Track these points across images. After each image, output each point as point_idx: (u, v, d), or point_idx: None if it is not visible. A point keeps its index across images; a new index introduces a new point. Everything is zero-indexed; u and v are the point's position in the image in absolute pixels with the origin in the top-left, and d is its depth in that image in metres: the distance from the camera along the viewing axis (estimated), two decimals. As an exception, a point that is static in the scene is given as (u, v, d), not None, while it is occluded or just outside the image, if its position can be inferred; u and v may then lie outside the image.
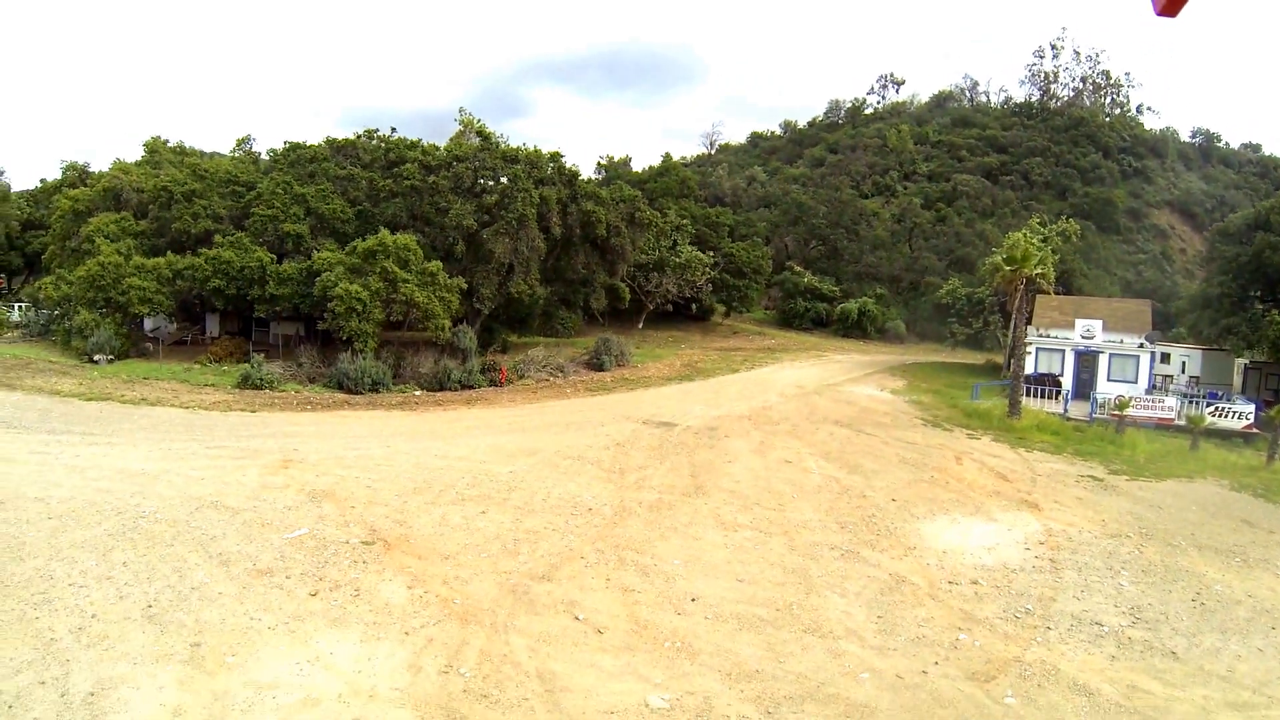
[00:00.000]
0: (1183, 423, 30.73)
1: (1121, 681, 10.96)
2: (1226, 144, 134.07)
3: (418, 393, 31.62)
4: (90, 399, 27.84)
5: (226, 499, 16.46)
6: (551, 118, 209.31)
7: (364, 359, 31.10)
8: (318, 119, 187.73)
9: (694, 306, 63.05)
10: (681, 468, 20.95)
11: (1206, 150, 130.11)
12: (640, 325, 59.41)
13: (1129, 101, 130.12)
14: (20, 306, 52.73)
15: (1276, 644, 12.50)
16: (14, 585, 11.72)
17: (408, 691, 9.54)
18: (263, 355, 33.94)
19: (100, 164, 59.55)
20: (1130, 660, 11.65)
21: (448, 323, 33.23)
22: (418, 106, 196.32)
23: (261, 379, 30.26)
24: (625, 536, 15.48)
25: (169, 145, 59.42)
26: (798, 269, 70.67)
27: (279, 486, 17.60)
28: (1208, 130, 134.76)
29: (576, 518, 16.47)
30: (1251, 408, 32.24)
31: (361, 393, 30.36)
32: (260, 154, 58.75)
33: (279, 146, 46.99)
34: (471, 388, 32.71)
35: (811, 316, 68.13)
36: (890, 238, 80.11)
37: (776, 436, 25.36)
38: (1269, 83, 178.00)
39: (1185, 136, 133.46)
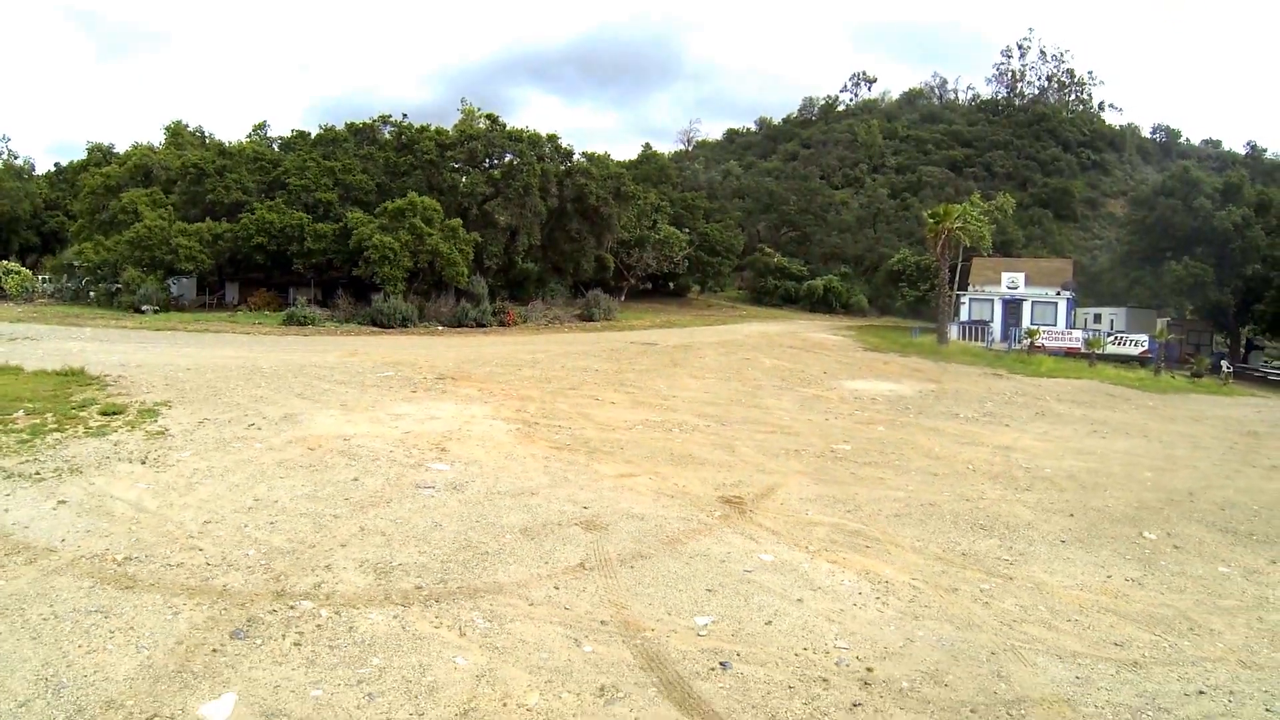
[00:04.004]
0: (1088, 350, 36.72)
1: (961, 429, 16.73)
2: (1187, 140, 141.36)
3: (440, 327, 37.15)
4: (158, 329, 32.47)
5: (320, 364, 21.87)
6: (528, 117, 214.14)
7: (394, 299, 36.56)
8: (285, 113, 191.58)
9: (671, 284, 68.59)
10: (663, 359, 26.64)
11: (1167, 146, 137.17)
12: (622, 298, 64.91)
13: (1091, 99, 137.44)
14: (44, 279, 56.55)
15: (1089, 429, 18.20)
16: (186, 390, 16.62)
17: (494, 416, 15.15)
18: (304, 298, 39.24)
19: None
20: (973, 425, 17.43)
21: (466, 270, 38.79)
22: (389, 102, 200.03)
23: (305, 316, 35.56)
24: (624, 378, 21.20)
25: (189, 129, 64.23)
26: (769, 250, 76.41)
27: (356, 360, 23.07)
28: (1168, 127, 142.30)
29: (587, 374, 22.12)
30: (1146, 337, 38.30)
31: (393, 327, 35.82)
32: (274, 139, 63.47)
33: (286, 134, 52.39)
34: (485, 326, 38.29)
35: (781, 294, 73.79)
36: (856, 223, 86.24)
37: (739, 351, 31.09)
38: (1230, 83, 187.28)
39: (1147, 133, 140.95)
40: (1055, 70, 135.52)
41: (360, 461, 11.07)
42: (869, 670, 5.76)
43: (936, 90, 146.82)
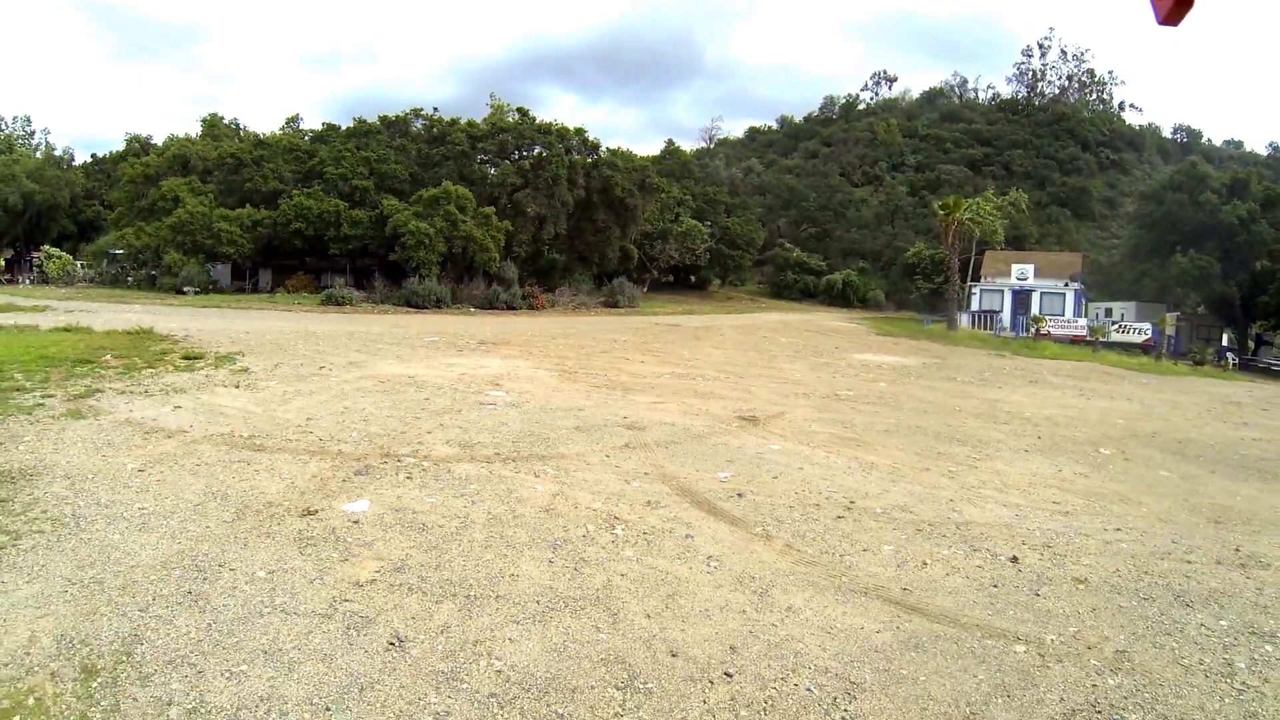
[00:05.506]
0: (1092, 338, 38.09)
1: (955, 388, 18.29)
2: (1209, 141, 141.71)
3: (472, 309, 39.00)
4: (203, 306, 34.22)
5: (367, 332, 23.69)
6: (549, 115, 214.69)
7: (429, 281, 38.45)
8: (304, 108, 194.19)
9: (692, 277, 70.24)
10: (686, 335, 28.35)
11: (1188, 146, 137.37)
12: (645, 290, 66.66)
13: (1112, 98, 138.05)
14: (82, 264, 58.41)
15: (1077, 393, 19.68)
16: (252, 345, 18.34)
17: (536, 367, 16.88)
18: (341, 281, 41.19)
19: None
20: (965, 386, 18.99)
21: (497, 255, 40.65)
22: (409, 98, 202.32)
23: (342, 297, 37.44)
24: (650, 347, 22.93)
25: (224, 121, 66.39)
26: (788, 245, 78.01)
27: (400, 330, 24.89)
28: (1189, 127, 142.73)
29: (616, 343, 23.85)
30: (1149, 325, 39.60)
31: (427, 308, 37.69)
32: (306, 132, 65.48)
33: (316, 127, 54.60)
34: (514, 309, 40.12)
35: (800, 288, 75.33)
36: (875, 219, 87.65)
37: (758, 332, 32.75)
38: (1254, 84, 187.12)
39: (1168, 133, 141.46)
40: (1076, 70, 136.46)
41: (426, 390, 12.83)
42: (852, 503, 7.44)
43: (956, 89, 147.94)
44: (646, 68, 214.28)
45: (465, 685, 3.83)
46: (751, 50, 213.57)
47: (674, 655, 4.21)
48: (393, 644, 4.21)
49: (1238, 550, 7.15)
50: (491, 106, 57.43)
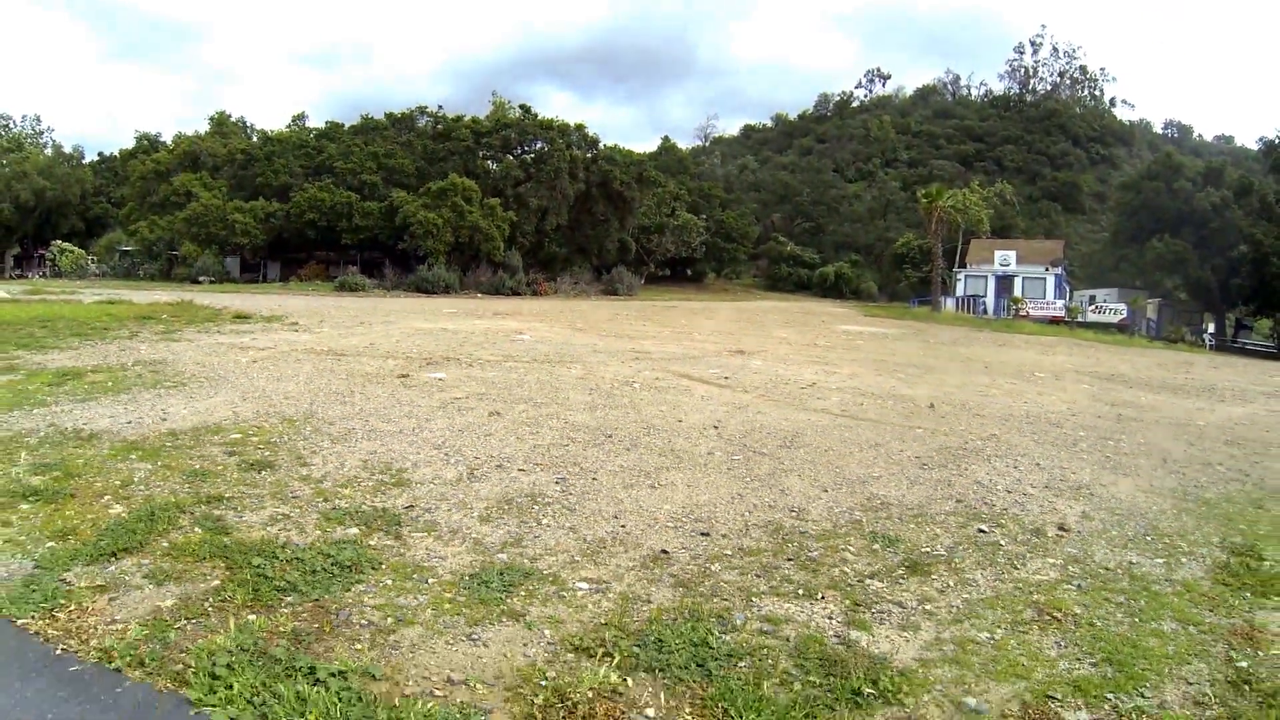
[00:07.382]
0: (1069, 318, 40.12)
1: (926, 346, 20.32)
2: (1200, 136, 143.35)
3: (479, 294, 41.02)
4: (223, 292, 35.91)
5: (390, 307, 25.70)
6: (545, 113, 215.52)
7: (437, 268, 40.46)
8: (300, 108, 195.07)
9: (688, 270, 72.21)
10: (683, 313, 30.45)
11: (1179, 141, 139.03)
12: (642, 281, 68.64)
13: (1103, 95, 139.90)
14: (92, 259, 59.71)
15: (1039, 353, 21.72)
16: (291, 312, 20.48)
17: (551, 326, 18.91)
18: (354, 268, 43.22)
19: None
20: (935, 346, 21.02)
21: (502, 244, 42.68)
22: (404, 98, 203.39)
23: (355, 284, 39.42)
24: (651, 318, 24.99)
25: (232, 119, 68.21)
26: (782, 239, 79.99)
27: (419, 306, 26.90)
28: (1180, 123, 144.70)
29: (616, 316, 25.92)
30: (1124, 305, 41.67)
31: (436, 293, 39.69)
32: (312, 129, 67.25)
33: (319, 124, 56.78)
34: (519, 294, 42.13)
35: (794, 280, 77.19)
36: (868, 214, 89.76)
37: (751, 313, 34.81)
38: (1245, 79, 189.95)
39: (1159, 129, 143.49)
40: (1068, 67, 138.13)
41: (461, 335, 14.89)
42: (813, 384, 9.54)
43: (949, 87, 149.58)
44: (641, 67, 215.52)
45: (545, 428, 5.93)
46: (746, 49, 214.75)
47: (680, 421, 6.32)
48: (492, 415, 6.29)
49: (1119, 415, 9.21)
50: (494, 104, 59.41)
